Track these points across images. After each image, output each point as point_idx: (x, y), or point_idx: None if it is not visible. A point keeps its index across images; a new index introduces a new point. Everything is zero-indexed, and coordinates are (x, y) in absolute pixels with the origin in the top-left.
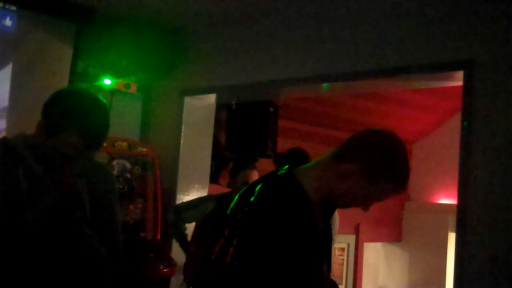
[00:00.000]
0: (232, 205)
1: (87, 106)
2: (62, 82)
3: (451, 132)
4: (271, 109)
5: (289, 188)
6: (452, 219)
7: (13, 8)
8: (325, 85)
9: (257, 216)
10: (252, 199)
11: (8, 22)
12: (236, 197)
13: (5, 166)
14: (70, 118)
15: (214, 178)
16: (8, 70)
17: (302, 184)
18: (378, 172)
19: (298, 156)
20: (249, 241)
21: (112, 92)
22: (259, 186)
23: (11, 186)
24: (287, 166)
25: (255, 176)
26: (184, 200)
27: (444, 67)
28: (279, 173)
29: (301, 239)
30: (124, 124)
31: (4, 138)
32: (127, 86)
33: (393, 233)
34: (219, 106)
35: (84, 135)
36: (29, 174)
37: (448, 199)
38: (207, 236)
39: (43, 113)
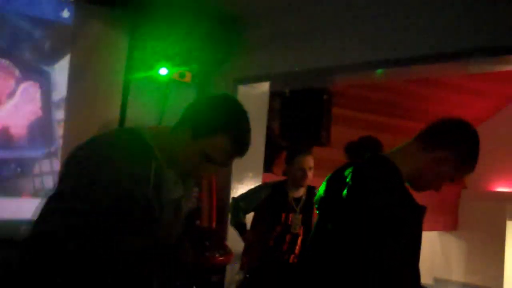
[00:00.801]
0: (320, 192)
1: (238, 111)
2: (118, 72)
3: (508, 119)
4: (325, 97)
5: (389, 169)
6: (510, 207)
7: None
8: (379, 71)
9: (365, 196)
10: (348, 180)
11: (66, 13)
12: (324, 184)
13: (140, 160)
14: (222, 120)
15: (267, 167)
16: (66, 61)
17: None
18: (468, 157)
19: (370, 145)
20: (358, 223)
21: (167, 81)
22: (349, 170)
23: (140, 182)
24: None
25: (311, 161)
26: (238, 189)
27: (503, 51)
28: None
29: (410, 218)
30: (178, 113)
31: (136, 133)
32: (182, 75)
33: (449, 221)
34: (273, 94)
35: (235, 139)
36: (159, 175)
37: (506, 187)
38: (263, 224)
39: (188, 120)
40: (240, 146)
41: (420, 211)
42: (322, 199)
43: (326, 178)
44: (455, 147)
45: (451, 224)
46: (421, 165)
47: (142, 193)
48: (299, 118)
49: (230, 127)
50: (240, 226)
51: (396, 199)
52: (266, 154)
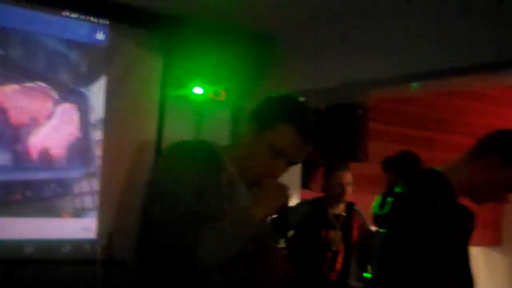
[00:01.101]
0: (375, 209)
1: (300, 102)
2: (154, 92)
3: None
4: (360, 111)
5: (433, 181)
6: None
7: (105, 22)
8: (415, 84)
9: (402, 208)
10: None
11: (100, 36)
12: (378, 200)
13: (211, 167)
14: (285, 108)
15: (305, 183)
16: (102, 82)
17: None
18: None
19: (407, 160)
20: (396, 235)
21: (203, 100)
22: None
23: (213, 188)
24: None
25: (349, 177)
26: None
27: None
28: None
29: (452, 228)
30: (214, 131)
31: (207, 142)
32: (217, 93)
33: (493, 236)
34: None
35: (299, 126)
36: (231, 188)
37: None
38: (303, 241)
39: (252, 117)
40: (306, 133)
41: (467, 219)
42: (377, 216)
43: (379, 197)
44: (500, 151)
45: (494, 240)
46: (472, 176)
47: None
48: (335, 134)
49: (293, 114)
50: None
51: (435, 210)
52: (302, 171)
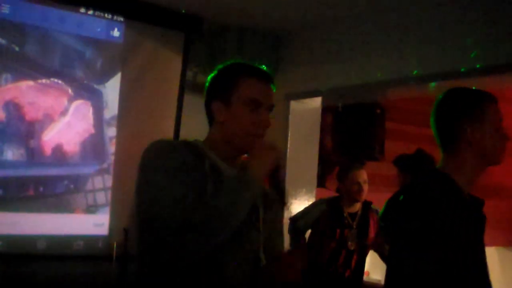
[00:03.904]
0: (381, 212)
1: (238, 61)
2: (172, 91)
3: None
4: (378, 111)
5: (433, 182)
6: None
7: (121, 19)
8: (432, 84)
9: (413, 217)
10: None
11: (116, 33)
12: (385, 205)
13: (193, 159)
14: (236, 70)
15: (321, 182)
16: (116, 79)
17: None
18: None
19: (420, 158)
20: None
21: None
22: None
23: (199, 181)
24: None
25: (365, 175)
26: (293, 203)
27: None
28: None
29: (455, 231)
30: None
31: (185, 140)
32: None
33: (509, 236)
34: (325, 109)
35: (255, 72)
36: (215, 170)
37: None
38: (319, 240)
39: (211, 99)
40: (262, 74)
41: (476, 221)
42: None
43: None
44: (467, 113)
45: (508, 240)
46: (464, 159)
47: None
48: (352, 133)
49: (242, 68)
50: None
51: (433, 214)
52: (319, 169)
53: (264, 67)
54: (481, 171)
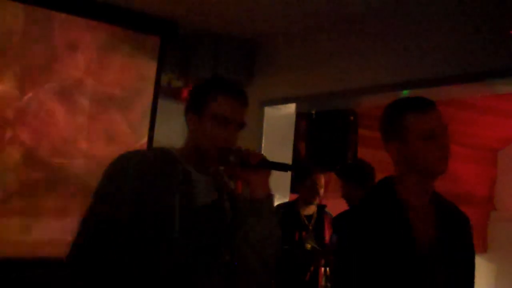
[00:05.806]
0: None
1: (213, 78)
2: (146, 95)
3: None
4: (351, 118)
5: (382, 197)
6: None
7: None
8: (405, 92)
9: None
10: None
11: None
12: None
13: (166, 165)
14: (204, 88)
15: (294, 187)
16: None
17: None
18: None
19: (360, 168)
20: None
21: None
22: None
23: (171, 185)
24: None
25: (322, 180)
26: None
27: None
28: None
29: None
30: None
31: (156, 149)
32: None
33: (478, 244)
34: (299, 116)
35: (219, 87)
36: (186, 175)
37: None
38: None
39: (187, 109)
40: (231, 90)
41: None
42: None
43: None
44: (388, 131)
45: (480, 247)
46: (400, 163)
47: (164, 201)
48: (326, 139)
49: (217, 85)
50: None
51: (362, 224)
52: (292, 175)
53: (240, 87)
54: (426, 184)
